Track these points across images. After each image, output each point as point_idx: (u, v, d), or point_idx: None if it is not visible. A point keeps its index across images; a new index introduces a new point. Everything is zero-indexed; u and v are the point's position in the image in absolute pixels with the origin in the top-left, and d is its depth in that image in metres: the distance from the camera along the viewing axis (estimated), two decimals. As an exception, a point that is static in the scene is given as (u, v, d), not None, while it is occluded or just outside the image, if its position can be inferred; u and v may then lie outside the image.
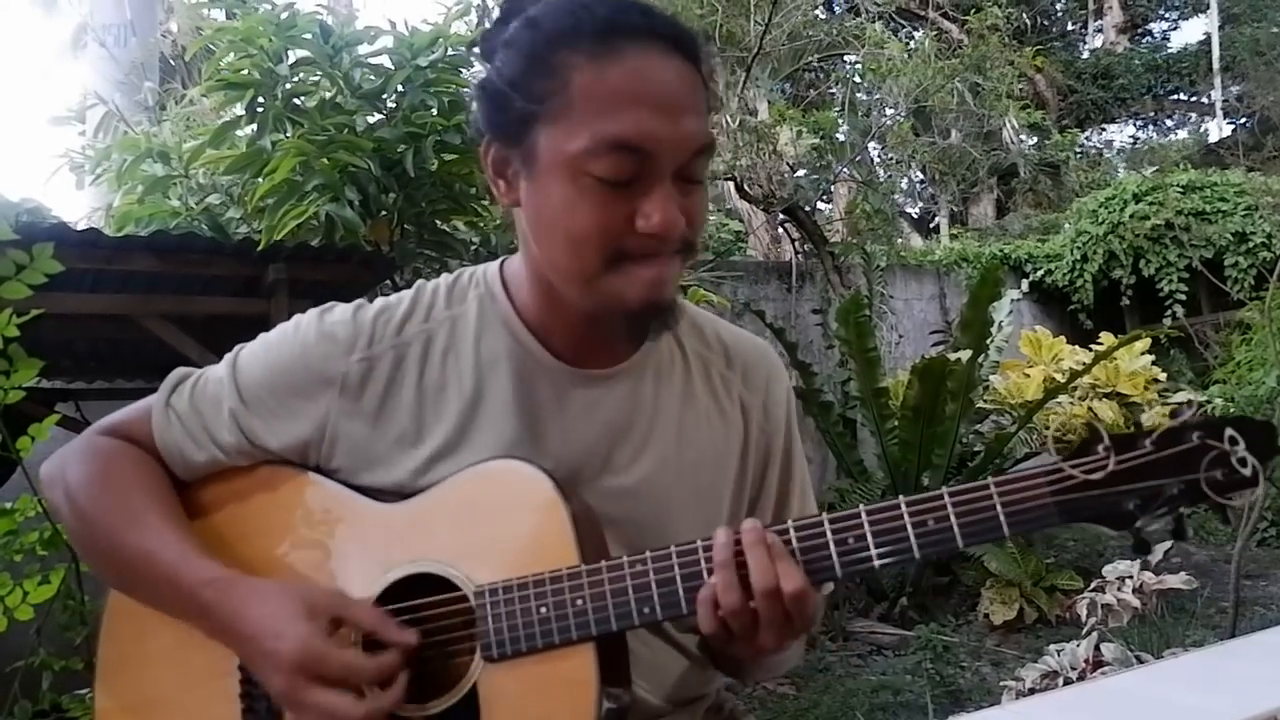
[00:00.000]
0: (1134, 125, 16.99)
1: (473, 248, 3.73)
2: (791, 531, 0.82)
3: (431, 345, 0.95)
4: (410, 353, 0.94)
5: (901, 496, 0.81)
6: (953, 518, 0.78)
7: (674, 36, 0.84)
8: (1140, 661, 2.76)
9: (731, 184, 7.89)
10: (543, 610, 0.83)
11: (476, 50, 0.93)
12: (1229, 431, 0.75)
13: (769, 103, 10.23)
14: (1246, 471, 0.74)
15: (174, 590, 0.89)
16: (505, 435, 0.92)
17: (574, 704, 0.82)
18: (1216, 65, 14.32)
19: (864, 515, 0.80)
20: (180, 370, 1.02)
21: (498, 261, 1.01)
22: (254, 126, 3.31)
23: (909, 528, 0.79)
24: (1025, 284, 7.51)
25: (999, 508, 0.77)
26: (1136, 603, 3.05)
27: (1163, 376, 6.14)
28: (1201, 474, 0.75)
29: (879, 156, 11.12)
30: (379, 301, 0.99)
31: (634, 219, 0.82)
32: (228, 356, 1.00)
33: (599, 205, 0.82)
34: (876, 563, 0.79)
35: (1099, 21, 17.12)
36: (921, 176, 13.46)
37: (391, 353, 0.94)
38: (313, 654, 0.81)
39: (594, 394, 0.95)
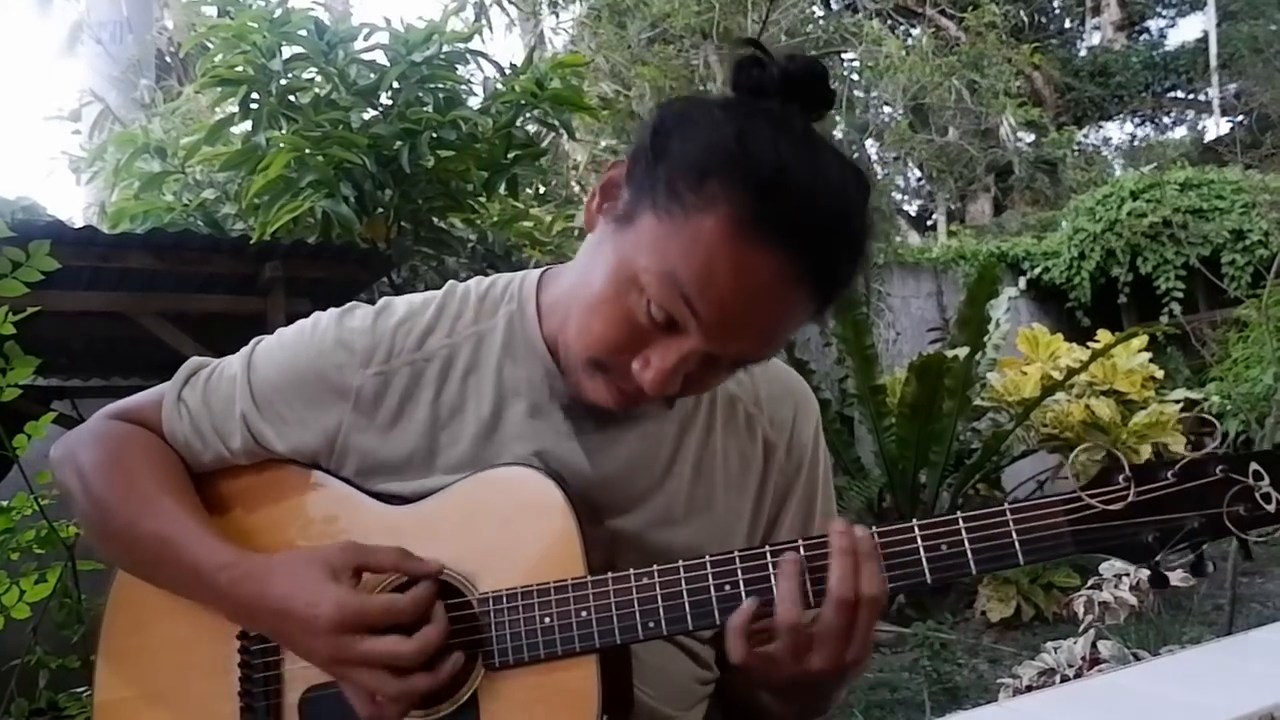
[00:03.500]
0: (1131, 123, 17.00)
1: (469, 245, 3.73)
2: (802, 549, 0.80)
3: (453, 364, 0.92)
4: (429, 370, 0.92)
5: (915, 520, 0.79)
6: (966, 543, 0.77)
7: (823, 272, 0.77)
8: (1137, 659, 2.76)
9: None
10: (546, 620, 0.82)
11: (736, 71, 0.81)
12: (1254, 465, 0.73)
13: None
14: (1271, 507, 0.72)
15: (193, 575, 0.88)
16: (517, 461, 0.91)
17: (575, 716, 0.81)
18: (1214, 63, 14.33)
19: (875, 538, 0.78)
20: (194, 361, 1.00)
21: (537, 273, 0.97)
22: (249, 123, 3.30)
23: (921, 551, 0.78)
24: (1023, 281, 7.52)
25: (1014, 535, 0.76)
26: (1133, 600, 3.05)
27: (1160, 374, 6.14)
28: (1224, 508, 0.73)
29: (876, 154, 11.13)
30: (403, 306, 0.95)
31: (637, 353, 0.80)
32: (244, 350, 0.97)
33: (623, 321, 0.80)
34: (888, 585, 0.78)
35: (1096, 19, 17.12)
36: (919, 174, 13.46)
37: (408, 369, 0.92)
38: (350, 609, 0.80)
39: (613, 432, 0.92)
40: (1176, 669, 1.73)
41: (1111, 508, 0.74)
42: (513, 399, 0.91)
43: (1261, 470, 0.73)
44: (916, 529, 0.78)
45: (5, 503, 2.13)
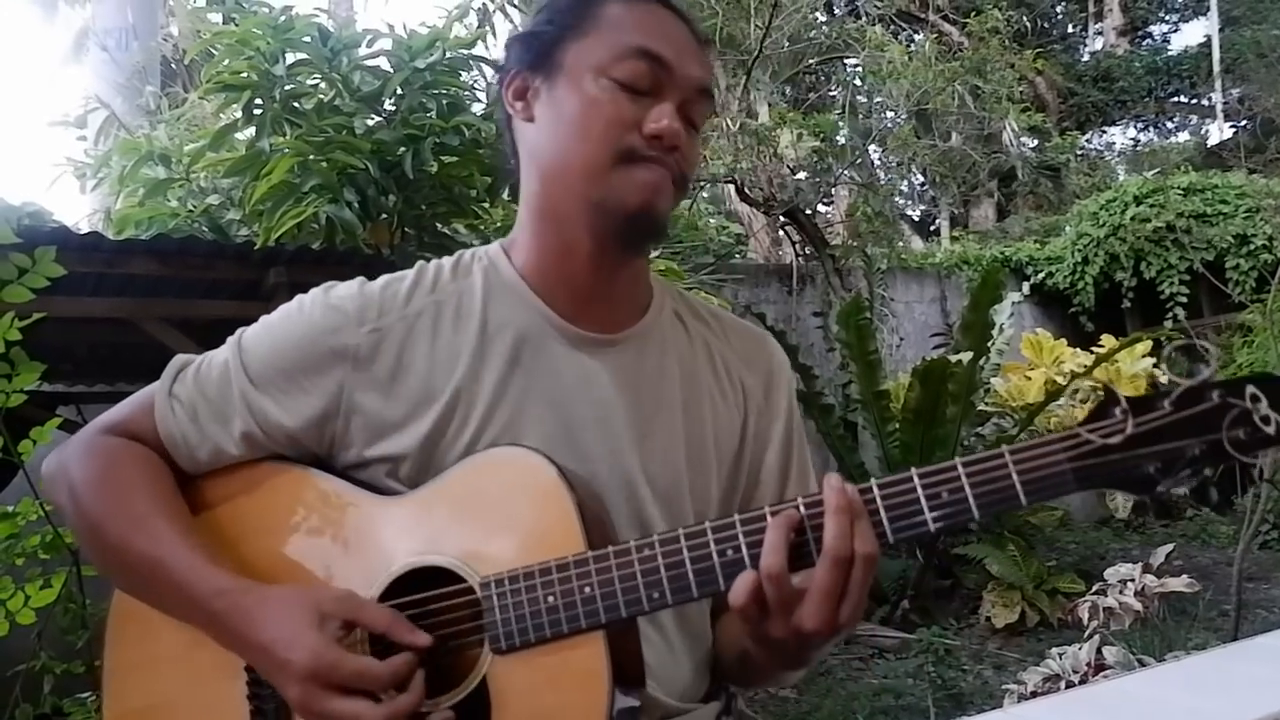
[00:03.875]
0: (1135, 128, 16.98)
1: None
2: (802, 508, 0.79)
3: (441, 315, 0.96)
4: (420, 322, 0.95)
5: (914, 468, 0.78)
6: (967, 488, 0.76)
7: (686, 15, 0.98)
8: (1142, 665, 2.76)
9: (732, 187, 7.89)
10: (550, 599, 0.81)
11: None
12: (1250, 389, 0.72)
13: (769, 105, 10.25)
14: (1270, 429, 0.72)
15: (184, 599, 0.88)
16: (512, 398, 0.93)
17: (586, 695, 0.80)
18: (1217, 68, 14.32)
19: (876, 490, 0.78)
20: (181, 357, 1.01)
21: (496, 242, 1.03)
22: (253, 129, 3.31)
23: (923, 500, 0.77)
24: (1026, 286, 7.48)
25: (1014, 476, 0.75)
26: (1138, 606, 3.05)
27: (1164, 379, 6.13)
28: (1224, 433, 0.72)
29: (879, 159, 11.13)
30: (382, 277, 0.99)
31: (642, 124, 0.91)
32: (230, 340, 0.99)
33: (613, 104, 0.91)
34: (891, 538, 0.78)
35: (1099, 24, 17.13)
36: (922, 179, 13.46)
37: (401, 324, 0.95)
38: (324, 663, 0.80)
39: (601, 357, 0.96)
40: (1181, 675, 1.72)
41: (1111, 441, 0.74)
42: (500, 335, 0.95)
43: (1259, 393, 0.72)
44: (916, 478, 0.78)
45: (10, 508, 2.13)
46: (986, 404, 5.75)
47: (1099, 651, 2.85)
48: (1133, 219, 8.19)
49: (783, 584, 0.77)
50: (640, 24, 0.93)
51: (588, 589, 0.81)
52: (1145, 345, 6.02)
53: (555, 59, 0.94)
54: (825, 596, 0.77)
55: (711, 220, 9.15)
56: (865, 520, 0.77)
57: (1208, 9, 15.00)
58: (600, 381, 0.95)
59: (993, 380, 5.77)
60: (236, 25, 3.28)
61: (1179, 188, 8.25)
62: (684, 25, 0.97)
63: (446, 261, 1.01)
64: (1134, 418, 0.74)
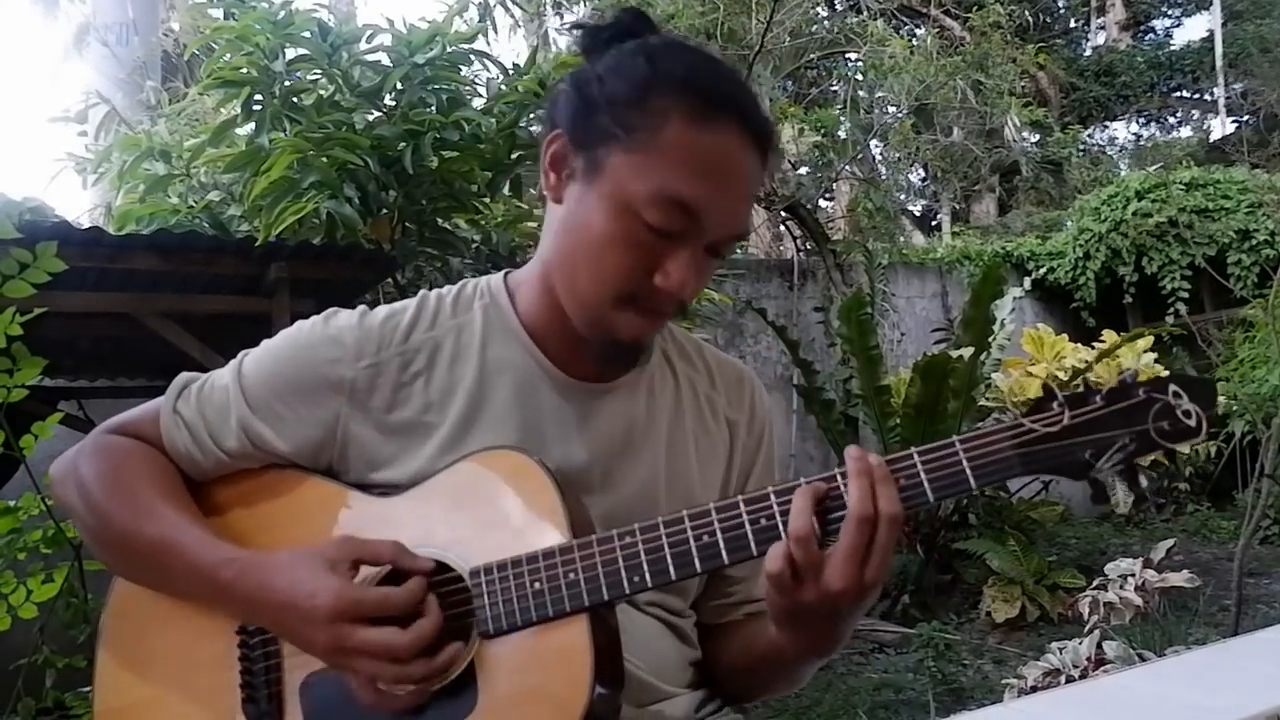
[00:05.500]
0: (1137, 122, 16.94)
1: (474, 245, 3.73)
2: (773, 497, 0.84)
3: (439, 352, 0.98)
4: (418, 359, 0.97)
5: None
6: (922, 475, 0.82)
7: (761, 129, 0.90)
8: (1142, 659, 2.76)
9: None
10: (536, 585, 0.85)
11: (578, 40, 0.98)
12: (1173, 386, 0.81)
13: (771, 100, 10.22)
14: (1191, 422, 0.80)
15: (194, 575, 0.91)
16: (505, 438, 0.95)
17: (569, 672, 0.83)
18: (1220, 62, 14.28)
19: (840, 479, 0.83)
20: (185, 375, 1.04)
21: (501, 273, 1.05)
22: (253, 125, 3.31)
23: None
24: (1027, 282, 7.47)
25: (965, 463, 0.81)
26: (1139, 600, 3.05)
27: (1165, 375, 6.13)
28: (1150, 424, 0.80)
29: (881, 154, 11.12)
30: (384, 308, 1.01)
31: (654, 271, 0.89)
32: (232, 363, 1.02)
33: (633, 248, 0.88)
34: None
35: (1101, 18, 17.08)
36: (923, 174, 13.44)
37: (399, 359, 0.97)
38: (348, 599, 0.83)
39: (592, 406, 0.99)
40: (1182, 670, 1.72)
41: (1050, 430, 0.81)
42: (497, 378, 0.97)
43: (1180, 390, 0.81)
44: None
45: (12, 503, 2.14)
46: (987, 399, 5.74)
47: (1099, 646, 2.85)
48: (1134, 214, 8.17)
49: (809, 548, 0.80)
50: (692, 162, 0.85)
51: (572, 575, 0.85)
52: (1147, 341, 6.02)
53: (599, 156, 0.88)
54: (852, 556, 0.80)
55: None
56: (888, 485, 0.81)
57: (1210, 3, 14.96)
58: (589, 427, 0.98)
59: (994, 376, 5.77)
60: (236, 20, 3.28)
61: (1181, 183, 8.24)
62: (753, 153, 0.89)
63: (449, 294, 1.03)
64: (1070, 410, 0.81)
